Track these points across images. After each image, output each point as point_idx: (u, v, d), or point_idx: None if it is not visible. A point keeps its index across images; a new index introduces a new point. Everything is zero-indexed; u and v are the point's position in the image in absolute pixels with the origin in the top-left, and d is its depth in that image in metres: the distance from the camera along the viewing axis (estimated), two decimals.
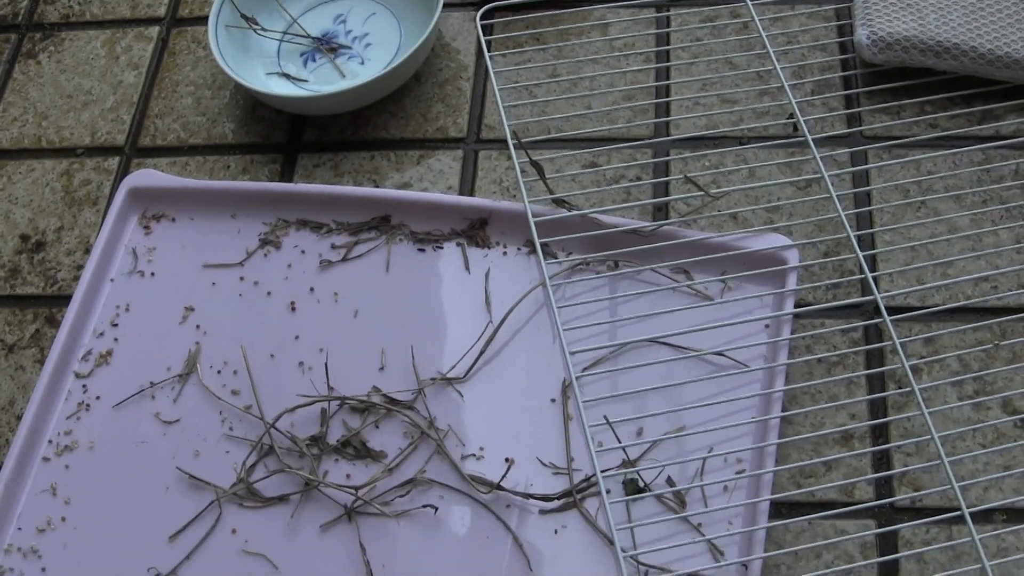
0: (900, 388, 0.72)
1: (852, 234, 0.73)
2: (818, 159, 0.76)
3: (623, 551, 0.64)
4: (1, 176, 0.90)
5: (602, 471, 0.67)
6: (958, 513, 0.63)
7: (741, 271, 0.75)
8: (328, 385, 0.75)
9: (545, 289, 0.73)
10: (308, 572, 0.69)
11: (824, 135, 0.82)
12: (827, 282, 0.75)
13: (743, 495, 0.68)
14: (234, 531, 0.71)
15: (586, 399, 0.69)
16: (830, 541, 0.66)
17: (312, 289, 0.79)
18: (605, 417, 0.70)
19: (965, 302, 0.74)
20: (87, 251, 0.85)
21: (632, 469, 0.69)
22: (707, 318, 0.74)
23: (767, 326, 0.74)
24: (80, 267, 0.84)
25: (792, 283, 0.73)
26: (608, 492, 0.68)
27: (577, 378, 0.69)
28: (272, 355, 0.77)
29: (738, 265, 0.75)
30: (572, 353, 0.70)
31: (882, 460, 0.70)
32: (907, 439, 0.70)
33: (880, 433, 0.71)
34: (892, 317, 0.71)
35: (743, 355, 0.72)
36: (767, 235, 0.75)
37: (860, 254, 0.73)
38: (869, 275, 0.72)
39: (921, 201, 0.79)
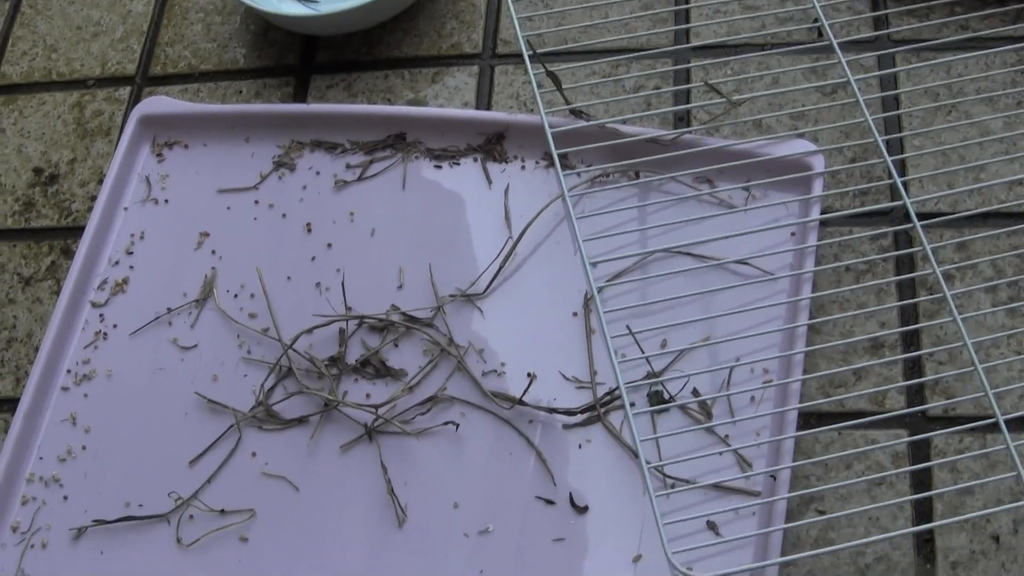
0: (931, 295, 0.70)
1: (880, 139, 0.71)
2: (844, 64, 0.73)
3: (648, 463, 0.63)
4: (13, 110, 0.89)
5: (626, 383, 0.66)
6: (992, 421, 0.61)
7: (765, 178, 0.73)
8: (346, 305, 0.74)
9: (564, 201, 0.71)
10: (329, 493, 0.68)
11: (850, 39, 0.79)
12: (854, 188, 0.73)
13: (770, 406, 0.67)
14: (254, 454, 0.70)
15: (608, 311, 0.67)
16: (860, 450, 0.65)
17: (328, 210, 0.78)
18: (628, 328, 0.68)
19: (998, 206, 0.72)
20: (100, 182, 0.84)
21: (657, 380, 0.68)
22: (731, 227, 0.71)
23: (793, 234, 0.72)
24: (94, 198, 0.83)
25: (818, 189, 0.71)
26: (632, 405, 0.67)
27: (599, 290, 0.68)
28: (289, 277, 0.76)
29: (762, 172, 0.73)
30: (593, 265, 0.68)
31: (913, 368, 0.68)
32: (939, 346, 0.68)
33: (911, 341, 0.69)
34: (923, 223, 0.68)
35: (769, 264, 0.71)
36: (792, 141, 0.73)
37: (889, 159, 0.70)
38: (898, 180, 0.69)
39: (952, 105, 0.76)
